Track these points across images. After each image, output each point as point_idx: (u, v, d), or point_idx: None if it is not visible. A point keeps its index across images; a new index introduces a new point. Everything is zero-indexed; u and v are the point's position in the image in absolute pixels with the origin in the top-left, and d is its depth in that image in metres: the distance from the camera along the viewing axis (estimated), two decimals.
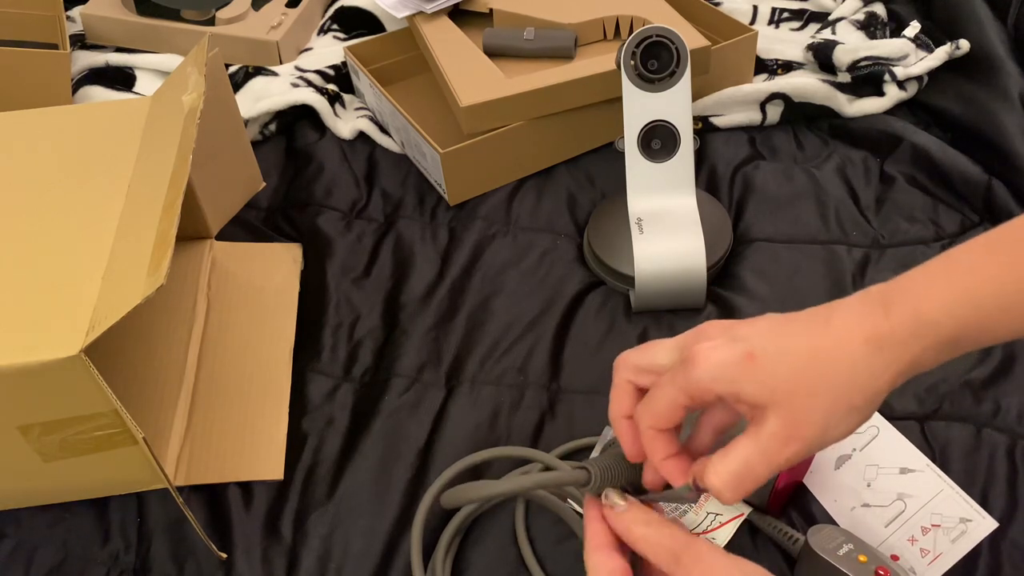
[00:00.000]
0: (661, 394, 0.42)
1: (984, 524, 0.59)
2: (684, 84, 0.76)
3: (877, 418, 0.66)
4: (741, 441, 0.40)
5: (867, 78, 0.94)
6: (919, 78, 0.95)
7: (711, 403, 0.42)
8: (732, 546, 0.60)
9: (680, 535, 0.42)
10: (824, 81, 0.94)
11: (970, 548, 0.58)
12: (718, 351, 0.40)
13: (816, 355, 0.39)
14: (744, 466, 0.40)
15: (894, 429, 0.65)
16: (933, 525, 0.60)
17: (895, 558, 0.59)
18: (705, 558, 0.41)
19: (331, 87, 0.98)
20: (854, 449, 0.64)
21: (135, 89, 1.01)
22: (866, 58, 0.93)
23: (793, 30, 1.08)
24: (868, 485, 0.62)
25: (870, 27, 1.02)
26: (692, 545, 0.41)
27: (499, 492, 0.48)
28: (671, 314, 0.76)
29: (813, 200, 0.85)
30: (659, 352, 0.44)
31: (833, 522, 0.61)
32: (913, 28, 0.98)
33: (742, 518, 0.61)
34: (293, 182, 0.91)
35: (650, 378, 0.44)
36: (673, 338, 0.45)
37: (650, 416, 0.43)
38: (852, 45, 0.96)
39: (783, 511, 0.62)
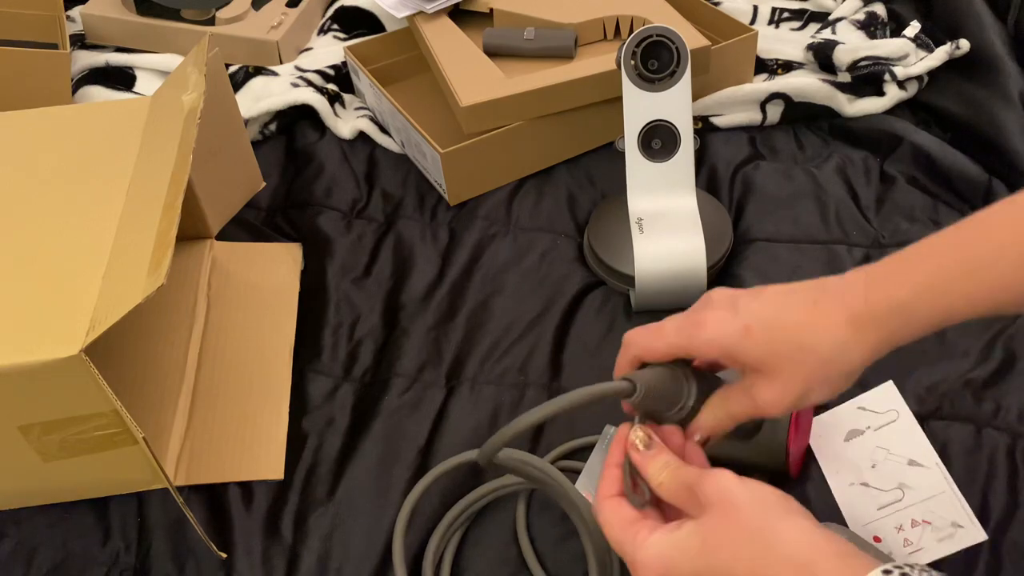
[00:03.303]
0: (666, 341, 0.48)
1: (973, 533, 0.59)
2: (684, 84, 0.76)
3: (900, 404, 0.65)
4: (733, 388, 0.48)
5: (867, 78, 0.93)
6: (919, 78, 0.95)
7: (710, 359, 0.49)
8: None
9: (693, 472, 0.44)
10: (824, 81, 0.94)
11: (952, 552, 0.58)
12: (721, 323, 0.47)
13: (803, 331, 0.46)
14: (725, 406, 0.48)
15: (914, 420, 0.64)
16: (924, 521, 0.60)
17: (877, 540, 0.59)
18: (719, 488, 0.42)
19: (331, 87, 0.98)
20: (868, 427, 0.64)
21: (135, 89, 1.01)
22: (866, 58, 0.93)
23: (793, 30, 1.08)
24: (873, 466, 0.62)
25: (870, 27, 1.02)
26: (704, 478, 0.42)
27: (540, 417, 0.43)
28: (671, 314, 0.75)
29: (813, 200, 0.85)
30: (668, 332, 0.49)
31: (830, 496, 0.62)
32: (913, 28, 0.98)
33: None
34: (293, 182, 0.91)
35: (658, 358, 0.49)
36: (681, 314, 0.49)
37: (645, 351, 0.49)
38: (852, 45, 0.96)
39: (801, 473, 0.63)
